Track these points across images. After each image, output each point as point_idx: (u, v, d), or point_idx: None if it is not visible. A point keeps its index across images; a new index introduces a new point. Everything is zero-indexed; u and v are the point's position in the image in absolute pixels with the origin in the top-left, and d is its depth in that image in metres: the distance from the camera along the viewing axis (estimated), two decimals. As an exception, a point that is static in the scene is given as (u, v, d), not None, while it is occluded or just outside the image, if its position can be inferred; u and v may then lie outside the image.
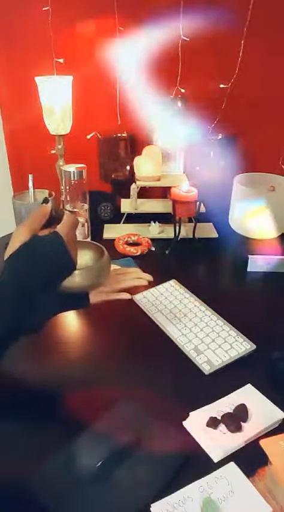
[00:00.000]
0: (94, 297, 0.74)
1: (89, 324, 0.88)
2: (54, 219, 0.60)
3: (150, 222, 1.24)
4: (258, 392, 0.69)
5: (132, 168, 1.27)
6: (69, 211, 1.11)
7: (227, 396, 0.68)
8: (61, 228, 0.58)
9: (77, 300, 0.70)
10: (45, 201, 0.61)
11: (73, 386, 0.71)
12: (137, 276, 0.82)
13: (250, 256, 1.07)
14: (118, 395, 0.67)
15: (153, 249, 1.16)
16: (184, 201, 1.11)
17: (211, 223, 1.29)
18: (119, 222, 1.29)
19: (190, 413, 0.65)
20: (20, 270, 0.55)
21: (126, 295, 0.78)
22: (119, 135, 1.32)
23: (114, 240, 1.17)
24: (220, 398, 0.67)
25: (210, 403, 0.66)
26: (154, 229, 1.23)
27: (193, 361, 0.76)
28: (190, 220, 1.27)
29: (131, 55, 1.21)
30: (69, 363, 0.77)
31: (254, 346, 0.78)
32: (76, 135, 1.26)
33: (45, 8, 1.16)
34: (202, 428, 0.63)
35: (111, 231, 1.24)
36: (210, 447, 0.60)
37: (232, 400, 0.67)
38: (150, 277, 0.84)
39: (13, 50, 1.24)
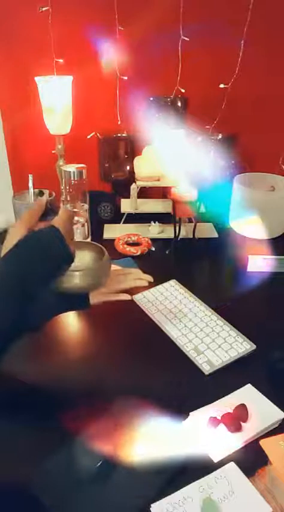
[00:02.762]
0: (95, 298, 0.74)
1: (89, 324, 0.88)
2: (49, 212, 0.61)
3: (150, 222, 1.25)
4: (258, 392, 0.69)
5: (132, 168, 1.27)
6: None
7: (227, 396, 0.68)
8: (57, 221, 0.58)
9: (77, 301, 0.71)
10: (40, 194, 0.61)
11: (73, 386, 0.72)
12: (137, 276, 0.83)
13: (250, 256, 1.07)
14: (118, 395, 0.67)
15: (153, 249, 1.16)
16: (184, 201, 1.11)
17: (211, 223, 1.29)
18: (119, 222, 1.29)
19: (190, 413, 0.65)
20: (19, 265, 0.54)
21: (126, 296, 0.79)
22: (119, 135, 1.32)
23: (114, 240, 1.17)
24: (220, 398, 0.68)
25: (210, 403, 0.67)
26: (154, 229, 1.23)
27: (193, 361, 0.76)
28: (190, 220, 1.27)
29: (131, 55, 1.21)
30: (69, 363, 0.78)
31: (254, 346, 0.79)
32: (76, 135, 1.26)
33: (45, 8, 1.16)
34: (202, 428, 0.63)
35: (111, 231, 1.24)
36: (210, 447, 0.60)
37: (232, 400, 0.67)
38: (150, 278, 0.84)
39: (13, 50, 1.24)
